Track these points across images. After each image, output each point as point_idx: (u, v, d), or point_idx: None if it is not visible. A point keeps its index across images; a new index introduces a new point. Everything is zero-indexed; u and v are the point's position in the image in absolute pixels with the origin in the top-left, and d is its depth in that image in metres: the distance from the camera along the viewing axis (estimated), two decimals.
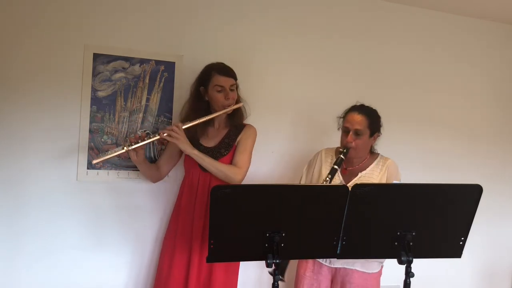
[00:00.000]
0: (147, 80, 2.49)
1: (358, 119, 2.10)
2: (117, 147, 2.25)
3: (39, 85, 2.31)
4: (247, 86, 2.65)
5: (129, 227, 2.46)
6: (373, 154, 2.23)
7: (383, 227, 1.75)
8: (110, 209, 2.44)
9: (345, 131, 2.14)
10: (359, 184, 1.70)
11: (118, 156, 2.23)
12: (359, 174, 2.15)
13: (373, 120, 2.13)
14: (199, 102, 2.25)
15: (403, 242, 1.72)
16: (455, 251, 1.81)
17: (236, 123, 2.31)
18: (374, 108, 2.20)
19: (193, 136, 2.22)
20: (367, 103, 2.94)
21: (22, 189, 2.29)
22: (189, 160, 2.25)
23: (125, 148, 2.09)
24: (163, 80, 2.52)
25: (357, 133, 2.09)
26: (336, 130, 2.24)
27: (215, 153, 2.23)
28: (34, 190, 2.30)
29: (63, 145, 2.35)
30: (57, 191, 2.34)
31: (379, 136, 2.20)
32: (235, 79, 2.26)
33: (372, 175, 2.14)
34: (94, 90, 2.39)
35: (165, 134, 2.09)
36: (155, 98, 2.50)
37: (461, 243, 1.78)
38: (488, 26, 3.26)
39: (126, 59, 2.44)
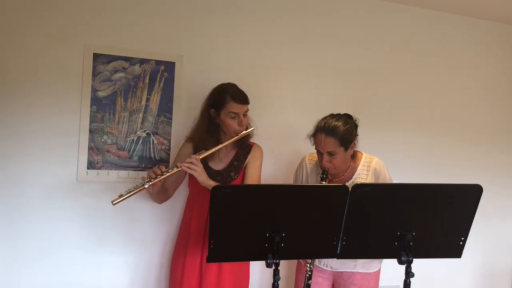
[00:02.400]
0: (147, 80, 2.49)
1: (328, 142, 1.96)
2: (136, 184, 2.13)
3: (39, 85, 2.31)
4: (246, 86, 2.65)
5: (129, 227, 2.47)
6: (356, 157, 2.13)
7: (383, 227, 1.75)
8: (110, 209, 2.42)
9: (319, 152, 2.03)
10: (359, 184, 1.70)
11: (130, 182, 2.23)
12: (347, 184, 2.07)
13: (343, 137, 1.97)
14: (210, 124, 2.22)
15: (403, 242, 1.72)
16: (455, 251, 1.81)
17: (244, 145, 2.29)
18: (343, 116, 2.04)
19: (202, 159, 2.18)
20: (366, 104, 2.96)
21: (22, 189, 2.29)
22: (197, 183, 2.18)
23: (145, 185, 2.05)
24: (163, 80, 2.52)
25: (331, 154, 1.98)
26: None
27: (225, 176, 2.23)
28: (34, 190, 2.31)
29: (63, 145, 2.35)
30: (57, 191, 2.34)
31: (356, 143, 2.07)
32: (248, 103, 2.23)
33: (359, 182, 2.08)
34: (94, 90, 2.39)
35: (184, 166, 2.08)
36: (155, 98, 2.50)
37: (461, 243, 1.78)
38: (487, 26, 3.26)
39: (126, 59, 2.44)
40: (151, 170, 2.13)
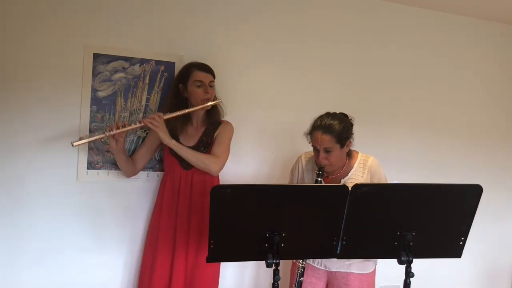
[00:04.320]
0: (147, 80, 2.49)
1: (324, 139, 1.99)
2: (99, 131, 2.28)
3: (39, 85, 2.30)
4: (246, 86, 2.66)
5: (129, 227, 2.47)
6: (352, 156, 2.15)
7: (383, 227, 1.75)
8: (110, 209, 2.44)
9: (315, 150, 2.07)
10: (359, 184, 1.69)
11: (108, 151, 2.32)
12: (342, 181, 2.12)
13: (339, 134, 2.00)
14: (178, 99, 2.31)
15: (403, 242, 1.71)
16: (455, 251, 1.80)
17: (213, 121, 2.36)
18: (339, 115, 2.08)
19: (173, 134, 2.25)
20: (366, 103, 2.96)
21: (22, 189, 2.29)
22: (169, 159, 2.30)
23: (106, 132, 2.12)
24: (163, 80, 2.51)
25: (327, 151, 2.01)
26: None
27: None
28: (34, 190, 2.30)
29: (63, 145, 2.34)
30: (57, 191, 2.34)
31: (351, 141, 2.09)
32: (214, 76, 2.34)
33: (355, 179, 2.10)
34: (94, 90, 2.39)
35: (146, 121, 2.14)
36: (155, 98, 2.50)
37: (461, 243, 1.78)
38: (488, 26, 3.26)
39: (126, 59, 2.44)
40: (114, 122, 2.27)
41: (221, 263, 2.34)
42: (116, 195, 2.45)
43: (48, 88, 2.32)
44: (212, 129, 2.35)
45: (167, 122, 2.21)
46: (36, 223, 2.31)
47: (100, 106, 2.40)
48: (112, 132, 2.13)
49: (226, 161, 2.29)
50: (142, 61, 2.47)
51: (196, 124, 2.36)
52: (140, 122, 2.16)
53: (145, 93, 2.49)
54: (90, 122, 2.38)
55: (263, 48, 2.73)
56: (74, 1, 2.37)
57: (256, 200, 1.66)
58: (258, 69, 2.71)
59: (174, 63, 2.53)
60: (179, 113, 2.21)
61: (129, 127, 2.16)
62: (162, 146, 2.38)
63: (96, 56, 2.39)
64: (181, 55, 2.54)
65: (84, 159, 2.37)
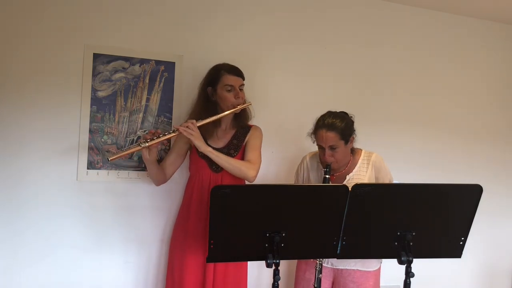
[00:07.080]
0: (147, 80, 2.49)
1: (329, 137, 2.04)
2: (132, 144, 2.26)
3: (39, 85, 2.31)
4: (246, 86, 2.65)
5: (129, 227, 2.46)
6: (356, 153, 2.20)
7: (383, 227, 1.75)
8: (110, 209, 2.44)
9: (321, 148, 2.10)
10: (359, 184, 1.69)
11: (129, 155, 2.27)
12: (347, 177, 2.14)
13: (343, 131, 2.05)
14: (208, 102, 2.27)
15: (403, 242, 1.72)
16: (455, 251, 1.81)
17: (242, 124, 2.33)
18: (340, 113, 2.13)
19: (202, 137, 2.21)
20: (367, 103, 2.96)
21: (22, 189, 2.29)
22: (196, 162, 2.25)
23: (141, 145, 2.09)
24: (163, 80, 2.52)
25: (332, 148, 2.05)
26: None
27: (224, 154, 2.24)
28: (34, 190, 2.30)
29: (63, 145, 2.35)
30: (57, 191, 2.34)
31: (354, 137, 2.15)
32: (244, 79, 2.29)
33: (359, 175, 2.14)
34: (94, 90, 2.39)
35: (181, 129, 2.10)
36: (155, 98, 2.51)
37: (461, 243, 1.79)
38: (488, 26, 3.26)
39: (126, 59, 2.44)
40: (147, 131, 2.20)
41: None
42: (116, 195, 2.45)
43: (48, 88, 2.32)
44: (242, 132, 2.32)
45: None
46: (36, 223, 2.31)
47: (100, 106, 2.40)
48: (147, 144, 2.09)
49: (259, 167, 2.27)
50: (142, 61, 2.47)
51: (225, 127, 2.31)
52: (174, 131, 2.12)
53: (145, 93, 2.49)
54: (90, 122, 2.39)
55: (263, 48, 2.73)
56: (74, 1, 2.37)
57: (256, 200, 1.66)
58: (259, 69, 2.71)
59: (174, 63, 2.53)
60: (211, 119, 2.17)
61: (164, 137, 2.12)
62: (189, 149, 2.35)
63: (96, 56, 2.39)
64: (181, 55, 2.54)
65: (84, 159, 2.38)
